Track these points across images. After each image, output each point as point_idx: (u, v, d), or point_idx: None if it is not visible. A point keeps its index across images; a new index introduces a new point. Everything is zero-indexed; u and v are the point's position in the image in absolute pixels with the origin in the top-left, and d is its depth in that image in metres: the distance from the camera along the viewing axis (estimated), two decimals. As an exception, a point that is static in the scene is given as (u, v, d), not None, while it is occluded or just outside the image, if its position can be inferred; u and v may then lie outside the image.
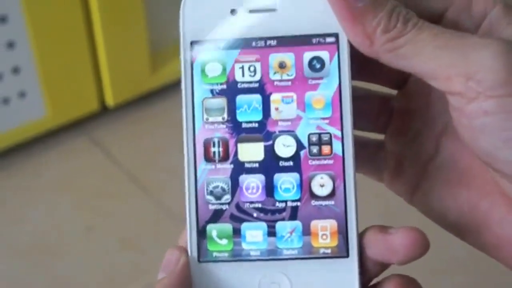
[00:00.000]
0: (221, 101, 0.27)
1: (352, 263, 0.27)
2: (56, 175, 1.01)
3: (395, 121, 0.33)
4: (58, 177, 1.01)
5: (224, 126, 0.27)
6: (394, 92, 0.33)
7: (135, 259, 0.90)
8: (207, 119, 0.27)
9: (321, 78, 0.28)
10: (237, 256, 0.27)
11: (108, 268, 0.88)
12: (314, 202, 0.27)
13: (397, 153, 0.32)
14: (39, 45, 0.93)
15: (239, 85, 0.27)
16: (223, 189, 0.27)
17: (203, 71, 0.27)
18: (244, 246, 0.27)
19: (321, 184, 0.27)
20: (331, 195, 0.27)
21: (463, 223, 0.30)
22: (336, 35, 0.28)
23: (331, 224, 0.27)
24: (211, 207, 0.27)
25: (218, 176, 0.27)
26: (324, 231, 0.27)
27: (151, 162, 1.03)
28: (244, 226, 0.27)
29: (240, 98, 0.27)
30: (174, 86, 1.13)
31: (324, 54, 0.28)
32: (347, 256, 0.27)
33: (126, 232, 0.93)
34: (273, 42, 0.27)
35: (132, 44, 1.04)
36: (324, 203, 0.27)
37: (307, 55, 0.28)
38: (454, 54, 0.25)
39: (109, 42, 1.00)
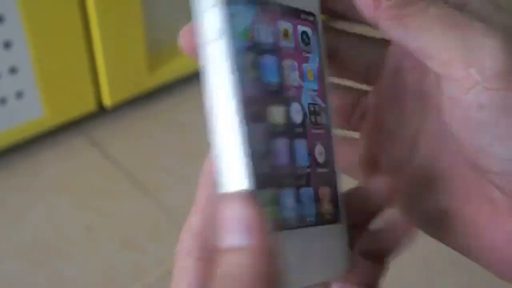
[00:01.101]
0: (251, 58, 0.26)
1: (343, 227, 0.28)
2: (54, 175, 1.01)
3: (368, 119, 0.31)
4: (57, 177, 1.01)
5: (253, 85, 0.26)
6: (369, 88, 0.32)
7: (135, 259, 0.90)
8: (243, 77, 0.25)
9: (308, 52, 0.28)
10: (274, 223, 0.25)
11: (108, 268, 0.88)
12: (317, 170, 0.28)
13: (372, 153, 0.31)
14: (36, 45, 0.93)
15: (260, 46, 0.26)
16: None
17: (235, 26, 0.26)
18: (278, 213, 0.26)
19: (320, 152, 0.28)
20: (325, 163, 0.28)
21: (445, 228, 0.29)
22: (313, 15, 0.29)
23: (329, 191, 0.28)
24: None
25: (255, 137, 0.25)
26: (326, 198, 0.28)
27: (150, 162, 1.03)
28: (281, 192, 0.26)
29: (263, 59, 0.26)
30: (172, 86, 1.13)
31: (309, 31, 0.29)
32: (339, 221, 0.28)
33: (126, 232, 0.93)
34: (278, 9, 0.27)
35: (129, 44, 1.04)
36: (322, 170, 0.28)
37: (299, 28, 0.28)
38: (459, 37, 0.24)
39: (107, 42, 1.00)
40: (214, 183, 0.24)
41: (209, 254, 0.23)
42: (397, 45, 0.27)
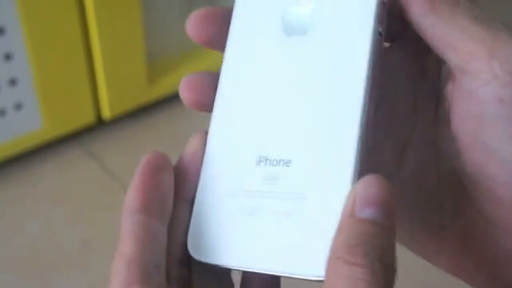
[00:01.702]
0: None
1: None
2: (52, 187, 1.01)
3: None
4: (55, 189, 1.01)
5: None
6: None
7: (132, 272, 0.89)
8: None
9: None
10: None
11: (106, 281, 0.88)
12: None
13: None
14: (36, 57, 0.94)
15: None
16: None
17: None
18: None
19: None
20: None
21: (433, 250, 0.29)
22: None
23: None
24: None
25: None
26: None
27: None
28: None
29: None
30: (171, 98, 1.13)
31: None
32: None
33: (115, 244, 0.92)
34: None
35: (129, 56, 1.04)
36: None
37: None
38: (486, 31, 0.24)
39: (106, 54, 1.00)
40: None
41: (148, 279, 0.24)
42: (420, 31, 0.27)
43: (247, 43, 0.28)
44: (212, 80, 0.28)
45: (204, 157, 0.28)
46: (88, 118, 1.05)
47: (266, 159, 0.26)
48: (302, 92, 0.26)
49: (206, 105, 0.28)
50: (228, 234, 0.26)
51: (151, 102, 1.12)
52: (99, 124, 1.08)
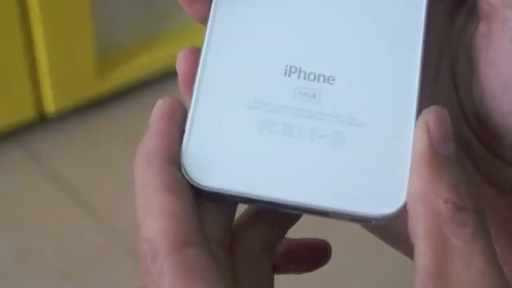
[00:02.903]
0: None
1: None
2: (-15, 193, 1.01)
3: None
4: (-12, 195, 1.00)
5: None
6: None
7: (77, 292, 0.91)
8: None
9: None
10: None
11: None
12: None
13: None
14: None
15: None
16: None
17: None
18: None
19: None
20: None
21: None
22: None
23: None
24: None
25: None
26: None
27: (98, 178, 1.02)
28: None
29: None
30: (125, 93, 1.11)
31: None
32: None
33: (68, 260, 0.91)
34: None
35: (76, 44, 1.02)
36: None
37: None
38: None
39: (49, 40, 0.98)
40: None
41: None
42: None
43: None
44: None
45: (199, 74, 0.26)
46: (28, 113, 1.03)
47: (300, 71, 0.25)
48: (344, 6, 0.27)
49: None
50: (253, 156, 0.24)
51: (101, 97, 1.10)
52: (41, 121, 1.07)
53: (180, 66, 0.26)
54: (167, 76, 1.06)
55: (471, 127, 0.27)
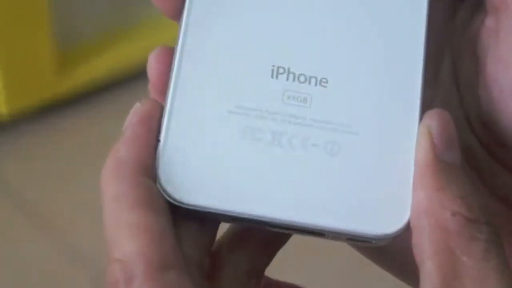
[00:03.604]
0: None
1: None
2: None
3: None
4: None
5: None
6: None
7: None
8: None
9: None
10: None
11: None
12: None
13: None
14: None
15: None
16: None
17: None
18: None
19: None
20: None
21: None
22: None
23: None
24: None
25: None
26: None
27: (55, 190, 1.01)
28: None
29: None
30: (88, 93, 1.09)
31: None
32: None
33: (20, 284, 0.93)
34: None
35: (32, 40, 1.02)
36: None
37: None
38: None
39: (2, 35, 0.98)
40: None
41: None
42: None
43: None
44: None
45: (174, 76, 0.26)
46: (-23, 115, 1.01)
47: (289, 72, 0.25)
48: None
49: None
50: (237, 168, 0.24)
51: (61, 97, 1.08)
52: (-8, 124, 1.05)
53: (152, 68, 0.26)
54: (136, 74, 1.03)
55: (475, 133, 0.27)
